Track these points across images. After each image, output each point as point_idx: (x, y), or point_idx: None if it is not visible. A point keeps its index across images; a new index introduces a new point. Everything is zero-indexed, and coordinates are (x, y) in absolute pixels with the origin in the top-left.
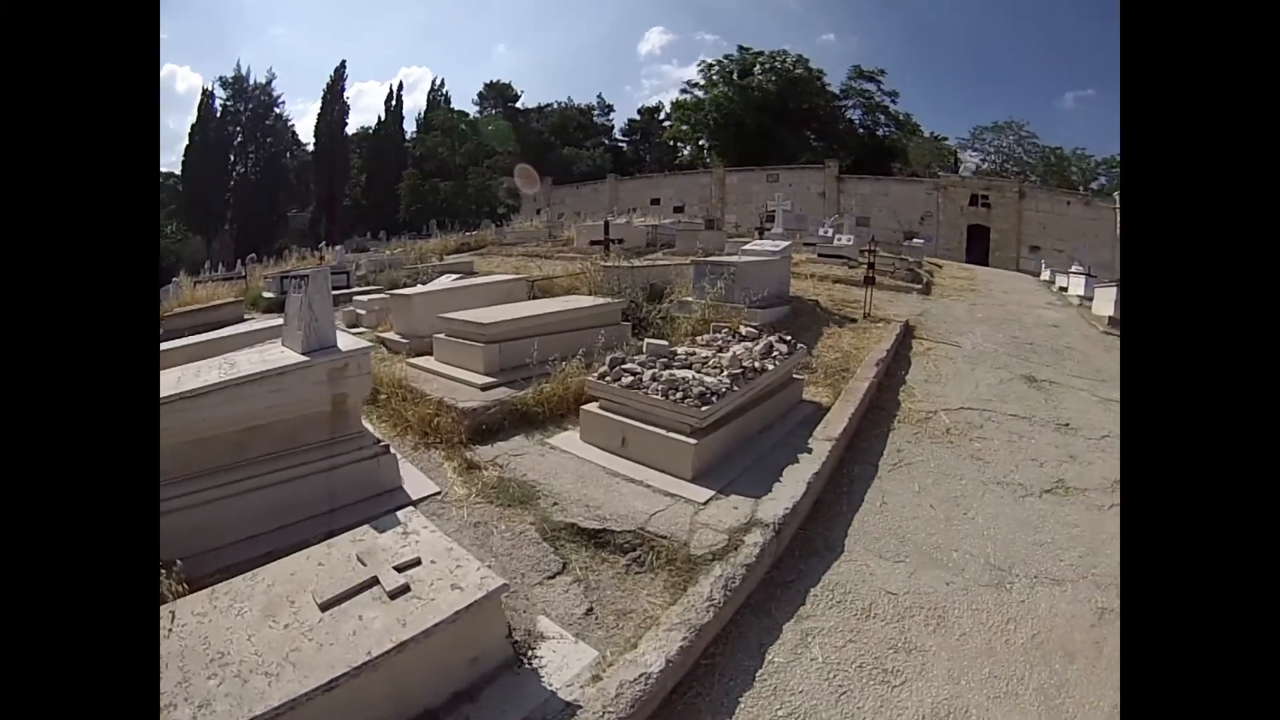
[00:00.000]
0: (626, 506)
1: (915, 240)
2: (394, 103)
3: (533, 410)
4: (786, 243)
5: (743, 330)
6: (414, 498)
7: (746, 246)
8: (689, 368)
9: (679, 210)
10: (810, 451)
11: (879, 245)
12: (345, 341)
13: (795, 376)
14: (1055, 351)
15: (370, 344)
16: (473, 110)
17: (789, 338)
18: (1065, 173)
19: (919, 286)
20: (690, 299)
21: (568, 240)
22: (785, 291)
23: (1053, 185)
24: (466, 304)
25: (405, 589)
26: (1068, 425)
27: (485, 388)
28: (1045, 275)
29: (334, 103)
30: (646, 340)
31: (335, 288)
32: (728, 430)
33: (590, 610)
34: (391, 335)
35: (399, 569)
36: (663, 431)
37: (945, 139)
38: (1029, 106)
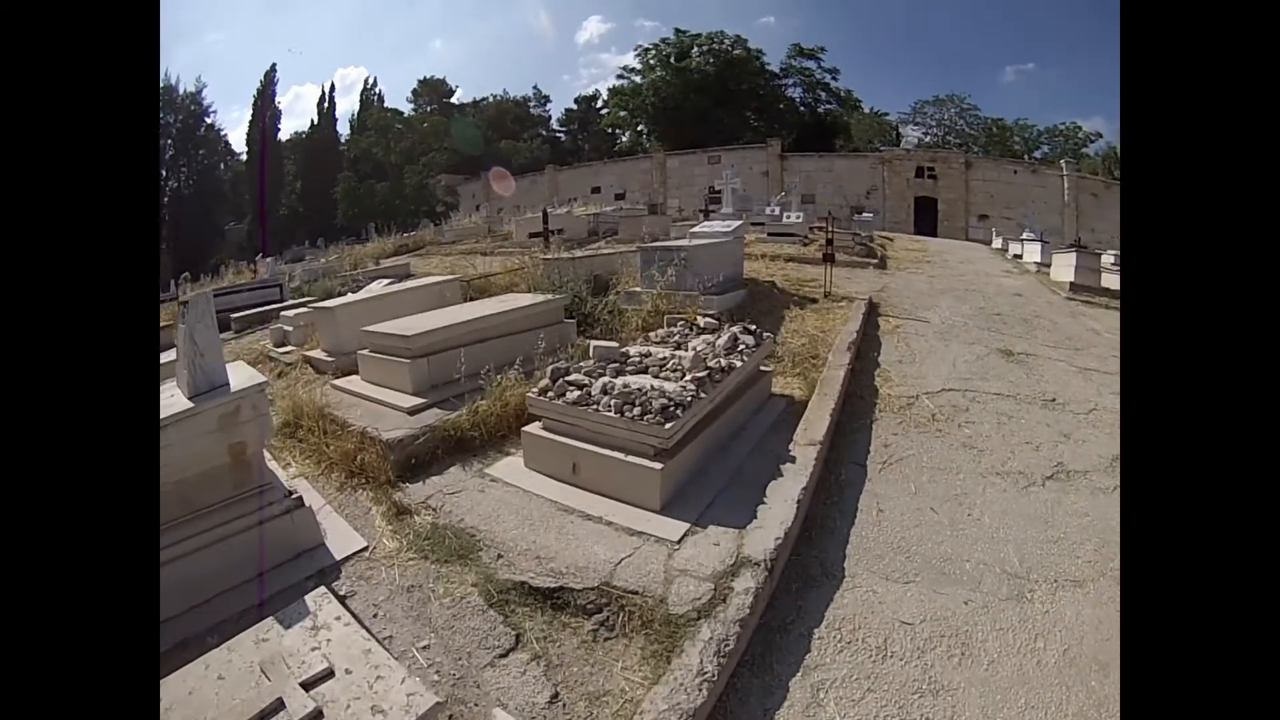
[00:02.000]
0: (585, 554)
1: (864, 215)
2: (326, 105)
3: (468, 435)
4: (738, 222)
5: (701, 321)
6: (337, 557)
7: (695, 229)
8: (645, 372)
9: (620, 197)
10: (793, 460)
11: (828, 221)
12: (238, 378)
13: (763, 369)
14: (1024, 321)
15: (264, 379)
16: (407, 108)
17: (753, 327)
18: (1008, 143)
19: (874, 261)
20: (639, 289)
21: (507, 235)
22: (740, 274)
23: (996, 155)
24: (395, 312)
25: (317, 717)
26: (1054, 400)
27: (414, 411)
28: (998, 243)
29: (265, 109)
30: (593, 343)
31: (268, 302)
32: (697, 444)
33: (555, 697)
34: (318, 353)
35: (308, 684)
36: (621, 455)
37: (886, 114)
38: (969, 82)
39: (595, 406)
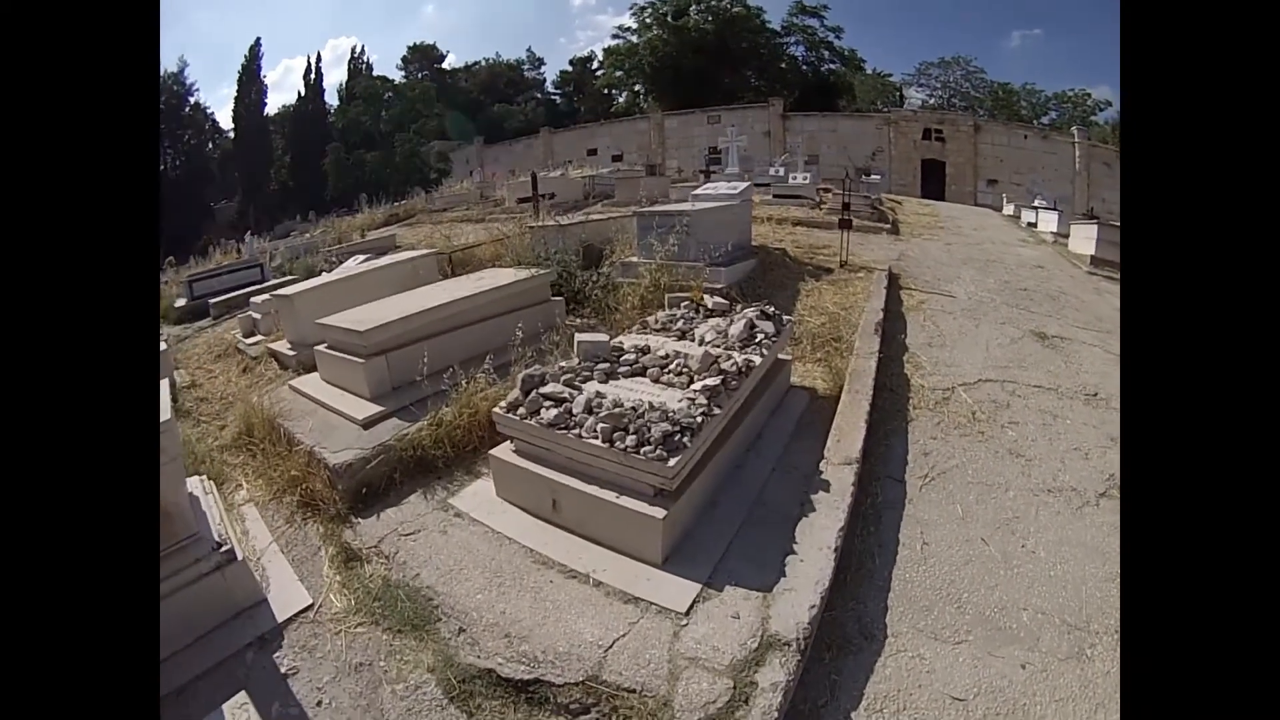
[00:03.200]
0: (568, 632)
1: (873, 177)
2: (313, 76)
3: (430, 454)
4: (744, 184)
5: (708, 301)
6: (280, 618)
7: (698, 191)
8: (642, 374)
9: (617, 159)
10: (826, 487)
11: (833, 182)
12: None
13: (782, 357)
14: (1051, 298)
15: (170, 417)
16: (397, 76)
17: (771, 309)
18: (1014, 108)
19: (887, 226)
20: (636, 259)
21: (499, 200)
22: (748, 241)
23: (1005, 120)
24: (362, 296)
25: None
26: (1096, 395)
27: (369, 423)
28: (1009, 210)
29: (250, 84)
30: (578, 337)
31: (250, 284)
32: (708, 473)
33: None
34: (282, 345)
35: None
36: (612, 496)
37: (890, 75)
38: (974, 46)
39: (578, 430)
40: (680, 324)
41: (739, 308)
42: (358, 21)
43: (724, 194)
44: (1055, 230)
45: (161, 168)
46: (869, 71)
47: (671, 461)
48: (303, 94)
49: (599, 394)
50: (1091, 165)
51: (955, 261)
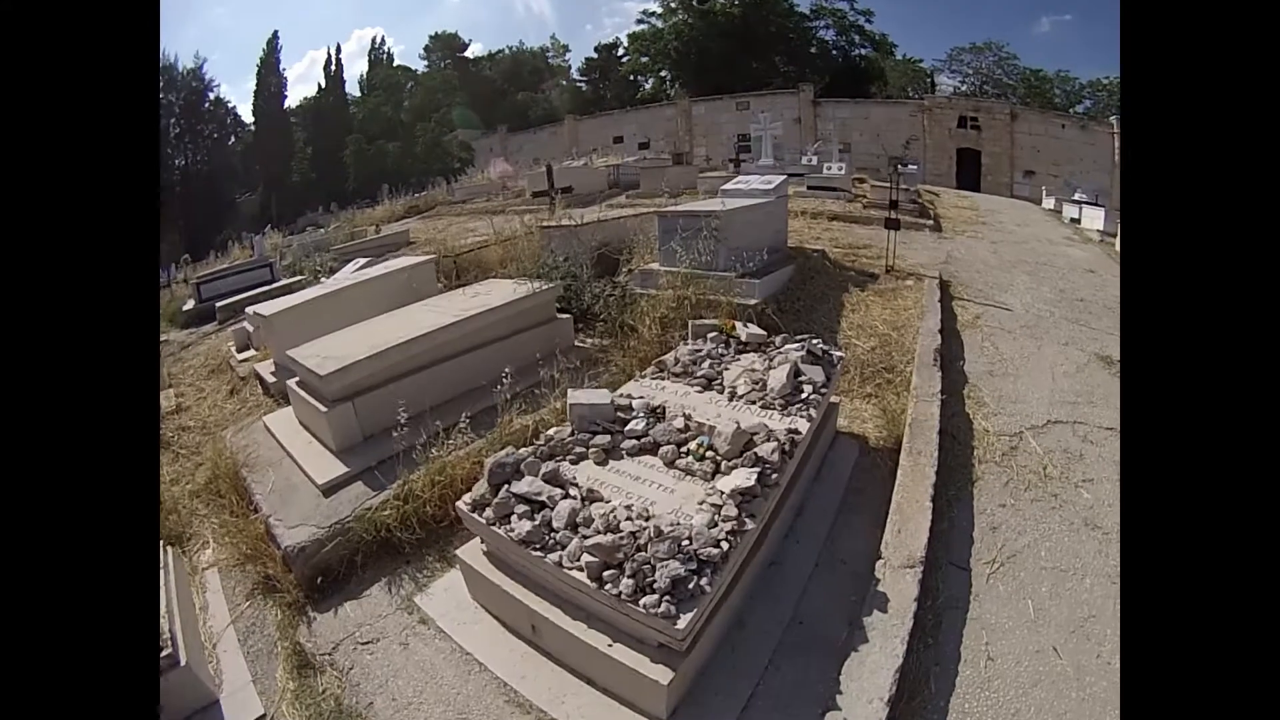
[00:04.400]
0: None
1: (910, 167)
2: (333, 67)
3: (397, 537)
4: (780, 178)
5: (741, 333)
6: None
7: (729, 186)
8: (653, 451)
9: (644, 146)
10: (884, 604)
11: (868, 172)
12: None
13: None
14: (1109, 310)
15: None
16: (419, 65)
17: (820, 345)
18: (1048, 95)
19: (929, 222)
20: (657, 265)
21: (520, 192)
22: (784, 242)
23: (1040, 108)
24: (347, 315)
25: None
26: None
27: (330, 489)
28: (1049, 204)
29: (269, 76)
30: (571, 398)
31: (261, 284)
32: (731, 603)
33: None
34: (268, 367)
35: None
36: (603, 644)
37: (920, 61)
38: (1003, 31)
39: (559, 554)
40: (706, 365)
41: (778, 341)
42: (381, 12)
43: (757, 189)
44: (1102, 229)
45: (183, 162)
46: (899, 57)
47: (682, 621)
48: (323, 86)
49: (591, 494)
50: None
51: (1005, 265)
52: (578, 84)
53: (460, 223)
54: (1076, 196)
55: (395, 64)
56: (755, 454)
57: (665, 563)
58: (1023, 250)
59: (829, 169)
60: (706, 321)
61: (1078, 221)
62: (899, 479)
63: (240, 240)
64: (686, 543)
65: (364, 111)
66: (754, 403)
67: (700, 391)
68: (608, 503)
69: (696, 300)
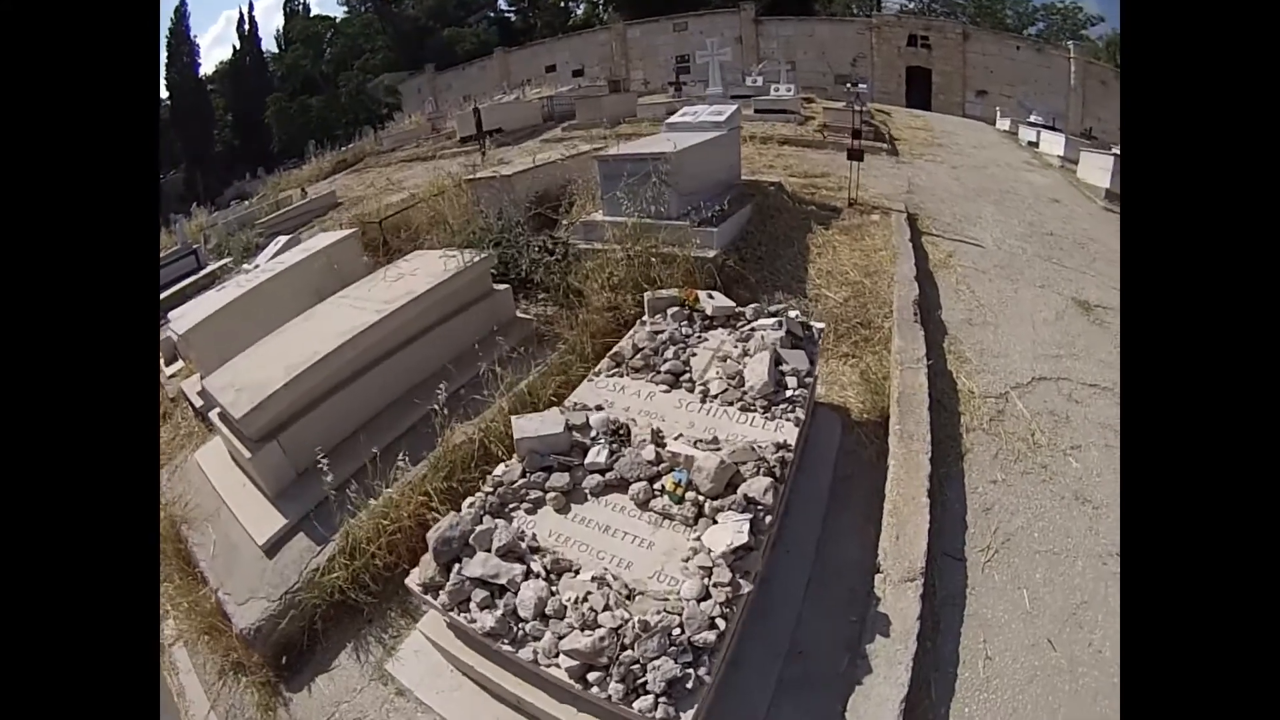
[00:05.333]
0: None
1: (860, 86)
2: (247, 26)
3: (351, 598)
4: (731, 107)
5: (706, 306)
6: None
7: (675, 119)
8: (623, 489)
9: (578, 74)
10: (885, 627)
11: (814, 91)
12: None
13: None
14: (1080, 246)
15: None
16: (339, 12)
17: (797, 317)
18: (999, 16)
19: (885, 145)
20: (600, 217)
21: (451, 133)
22: (737, 178)
23: (989, 28)
24: (268, 317)
25: None
26: None
27: (272, 548)
28: (1004, 125)
29: (180, 46)
30: (517, 428)
31: (184, 276)
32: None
33: None
34: (194, 386)
35: None
36: None
37: None
38: None
39: (532, 649)
40: (671, 353)
41: (749, 313)
42: None
43: (707, 122)
44: (1062, 154)
45: None
46: None
47: (685, 718)
48: (238, 47)
49: (556, 564)
50: (1087, 82)
51: (970, 194)
52: (506, 14)
53: (389, 174)
54: (1032, 119)
55: (313, 14)
56: (745, 495)
57: (656, 662)
58: (985, 177)
59: (777, 90)
60: (665, 294)
61: (1035, 145)
62: (891, 471)
63: (168, 225)
64: (678, 631)
65: (283, 68)
66: (731, 403)
67: (667, 391)
68: (576, 574)
69: (647, 254)
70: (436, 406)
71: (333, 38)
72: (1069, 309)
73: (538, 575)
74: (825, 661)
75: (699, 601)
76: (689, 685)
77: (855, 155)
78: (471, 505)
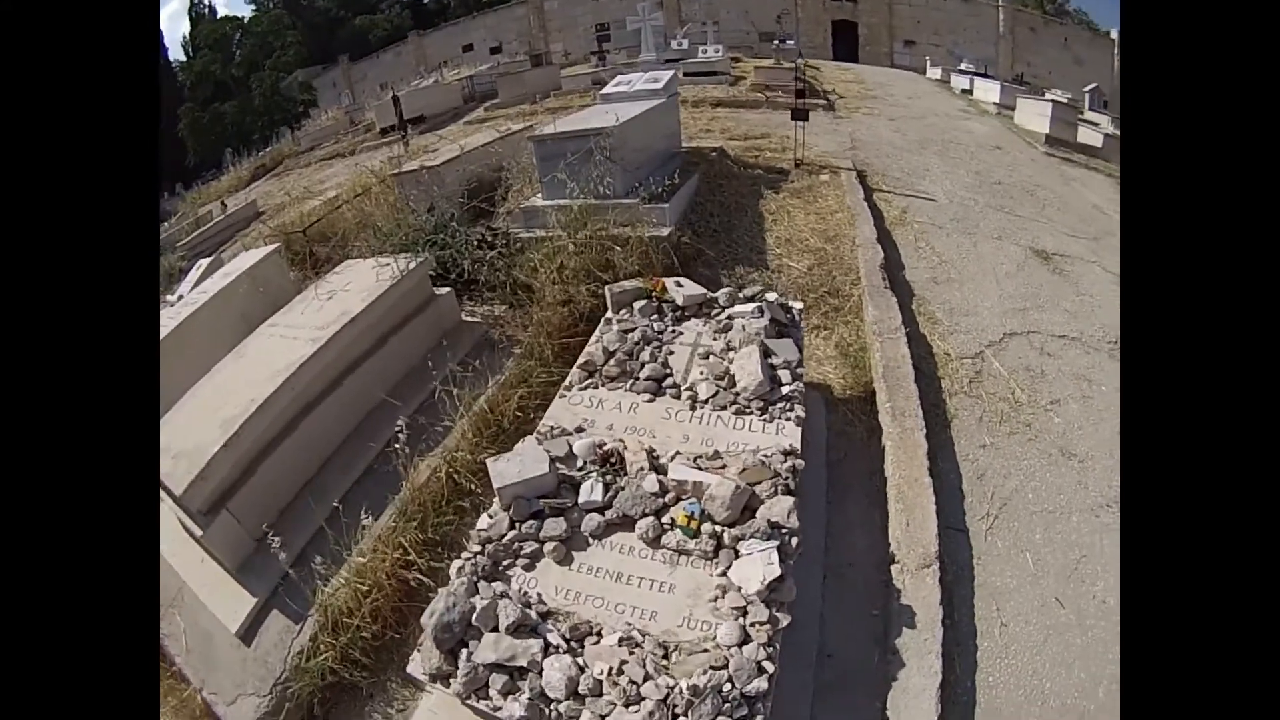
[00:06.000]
0: None
1: (788, 43)
2: None
3: (345, 678)
4: (669, 73)
5: (676, 295)
6: None
7: (610, 89)
8: (628, 527)
9: (495, 52)
10: (910, 619)
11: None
12: None
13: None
14: (1029, 194)
15: None
16: (247, 11)
17: (777, 300)
18: None
19: (822, 102)
20: (540, 201)
21: (369, 125)
22: (679, 147)
23: None
24: (195, 359)
25: None
26: (1115, 342)
27: (247, 634)
28: (935, 74)
29: None
30: (495, 474)
31: None
32: None
33: None
34: None
35: None
36: None
37: None
38: None
39: None
40: (647, 355)
41: (723, 299)
42: None
43: (644, 90)
44: (998, 101)
45: None
46: None
47: None
48: None
49: (575, 630)
50: (1016, 29)
51: (913, 146)
52: None
53: (310, 175)
54: (962, 66)
55: (220, 16)
56: (768, 521)
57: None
58: (925, 128)
59: (705, 52)
60: (629, 285)
61: (969, 93)
62: (889, 452)
63: None
64: (728, 687)
65: (192, 76)
66: (724, 407)
67: (650, 400)
68: (599, 638)
69: (596, 241)
70: (398, 446)
71: (242, 38)
72: (1028, 260)
73: (558, 649)
74: (855, 661)
75: (740, 647)
76: None
77: (800, 115)
78: (461, 571)
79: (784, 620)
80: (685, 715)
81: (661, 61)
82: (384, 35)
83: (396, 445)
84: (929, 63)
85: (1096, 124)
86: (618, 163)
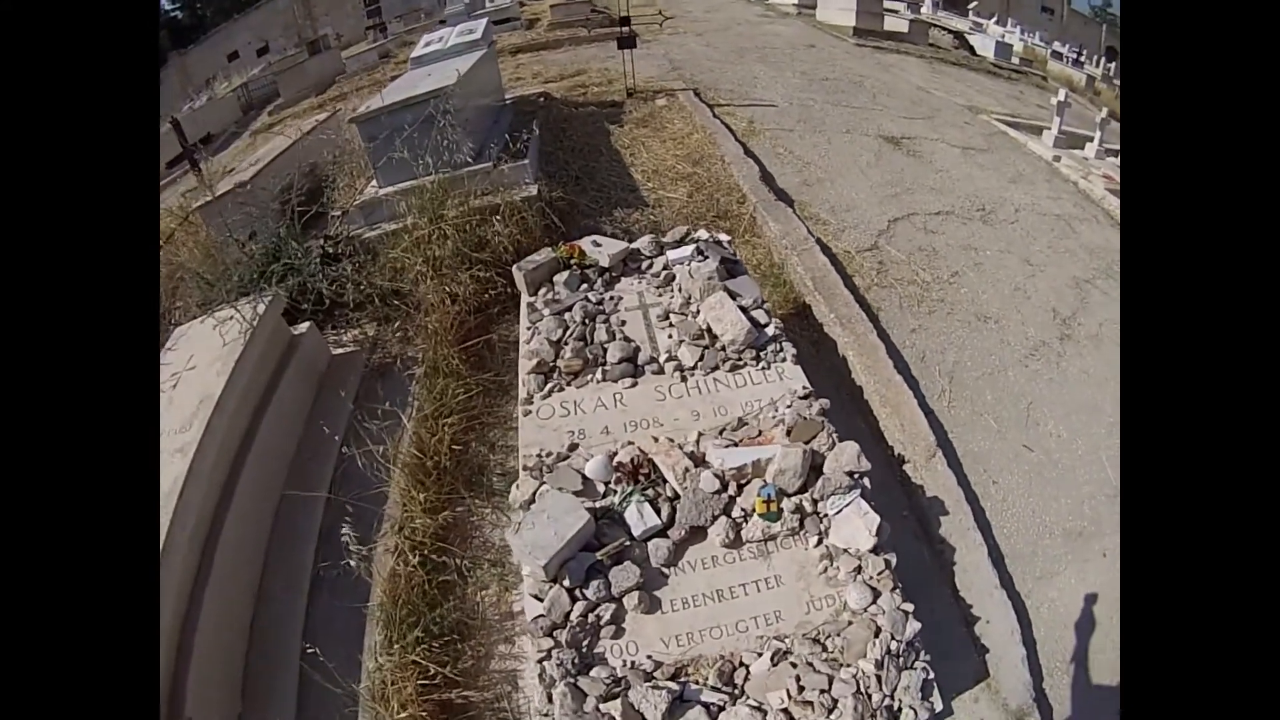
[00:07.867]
0: None
1: None
2: None
3: None
4: (483, 22)
5: (601, 257)
6: None
7: (420, 51)
8: (699, 537)
9: (263, 53)
10: (942, 508)
11: None
12: None
13: None
14: (856, 85)
15: None
16: None
17: (715, 239)
18: None
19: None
20: (378, 190)
21: None
22: (504, 99)
23: None
24: None
25: None
26: (984, 210)
27: None
28: None
29: None
30: (521, 555)
31: None
32: None
33: None
34: None
35: None
36: None
37: None
38: None
39: None
40: (604, 336)
41: (645, 248)
42: None
43: (462, 44)
44: (797, 2)
45: None
46: None
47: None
48: None
49: (721, 673)
50: None
51: (731, 57)
52: (172, 14)
53: None
54: None
55: None
56: (845, 472)
57: (903, 684)
58: (734, 38)
59: (492, 1)
60: (539, 259)
61: None
62: (852, 359)
63: None
64: (894, 645)
65: None
66: (717, 367)
67: (632, 385)
68: (747, 671)
69: (468, 220)
70: (351, 562)
71: None
72: (882, 148)
73: (719, 706)
74: (909, 561)
75: (875, 602)
76: (930, 677)
77: (626, 43)
78: (546, 677)
79: (894, 560)
80: (881, 689)
81: (471, 13)
82: None
83: (351, 561)
84: None
85: (896, 9)
86: (462, 126)
